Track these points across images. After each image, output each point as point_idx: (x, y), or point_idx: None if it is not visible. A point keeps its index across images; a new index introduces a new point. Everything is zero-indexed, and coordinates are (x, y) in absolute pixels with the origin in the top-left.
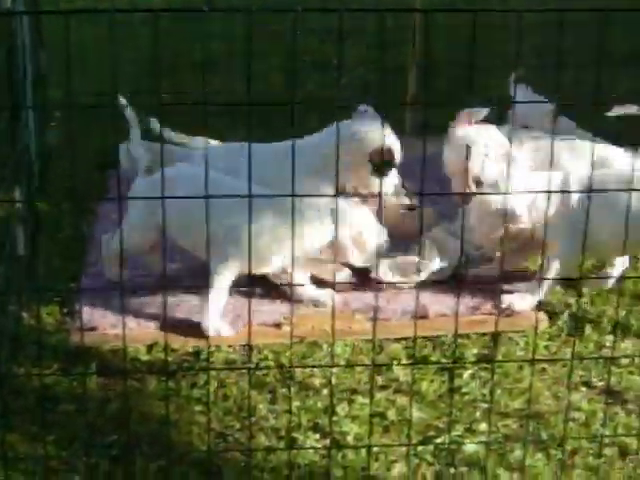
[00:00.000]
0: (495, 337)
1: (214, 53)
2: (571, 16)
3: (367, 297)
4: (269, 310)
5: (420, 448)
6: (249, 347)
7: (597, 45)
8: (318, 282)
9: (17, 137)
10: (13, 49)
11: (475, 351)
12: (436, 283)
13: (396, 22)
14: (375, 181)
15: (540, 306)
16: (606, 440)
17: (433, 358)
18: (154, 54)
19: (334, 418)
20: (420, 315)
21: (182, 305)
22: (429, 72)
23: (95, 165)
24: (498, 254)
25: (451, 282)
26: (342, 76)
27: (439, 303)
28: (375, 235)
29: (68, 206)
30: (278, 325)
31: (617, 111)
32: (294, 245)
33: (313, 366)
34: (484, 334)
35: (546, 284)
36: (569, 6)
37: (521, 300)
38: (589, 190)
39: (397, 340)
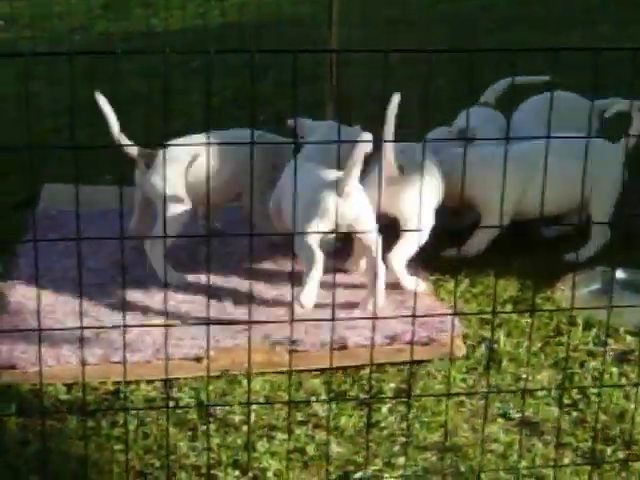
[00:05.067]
0: (412, 371)
1: (133, 90)
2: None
3: (287, 329)
4: (190, 344)
5: None
6: (168, 383)
7: None
8: None
9: None
10: None
11: (393, 385)
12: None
13: (314, 58)
14: None
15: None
16: (524, 472)
17: (352, 393)
18: (72, 94)
19: (254, 454)
20: (339, 346)
21: (101, 340)
22: (345, 107)
23: (12, 206)
24: None
25: None
26: (259, 112)
27: (358, 334)
28: None
29: None
30: (199, 359)
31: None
32: None
33: (231, 404)
34: (402, 365)
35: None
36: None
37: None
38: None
39: (316, 372)
